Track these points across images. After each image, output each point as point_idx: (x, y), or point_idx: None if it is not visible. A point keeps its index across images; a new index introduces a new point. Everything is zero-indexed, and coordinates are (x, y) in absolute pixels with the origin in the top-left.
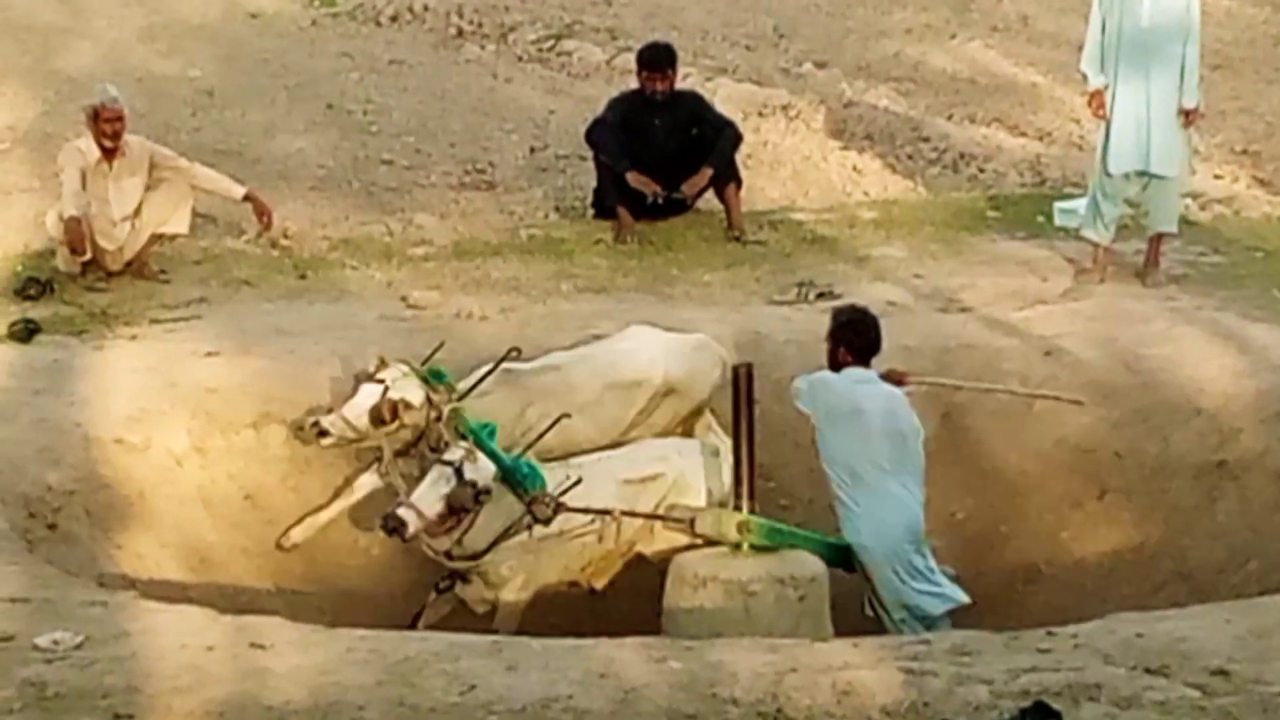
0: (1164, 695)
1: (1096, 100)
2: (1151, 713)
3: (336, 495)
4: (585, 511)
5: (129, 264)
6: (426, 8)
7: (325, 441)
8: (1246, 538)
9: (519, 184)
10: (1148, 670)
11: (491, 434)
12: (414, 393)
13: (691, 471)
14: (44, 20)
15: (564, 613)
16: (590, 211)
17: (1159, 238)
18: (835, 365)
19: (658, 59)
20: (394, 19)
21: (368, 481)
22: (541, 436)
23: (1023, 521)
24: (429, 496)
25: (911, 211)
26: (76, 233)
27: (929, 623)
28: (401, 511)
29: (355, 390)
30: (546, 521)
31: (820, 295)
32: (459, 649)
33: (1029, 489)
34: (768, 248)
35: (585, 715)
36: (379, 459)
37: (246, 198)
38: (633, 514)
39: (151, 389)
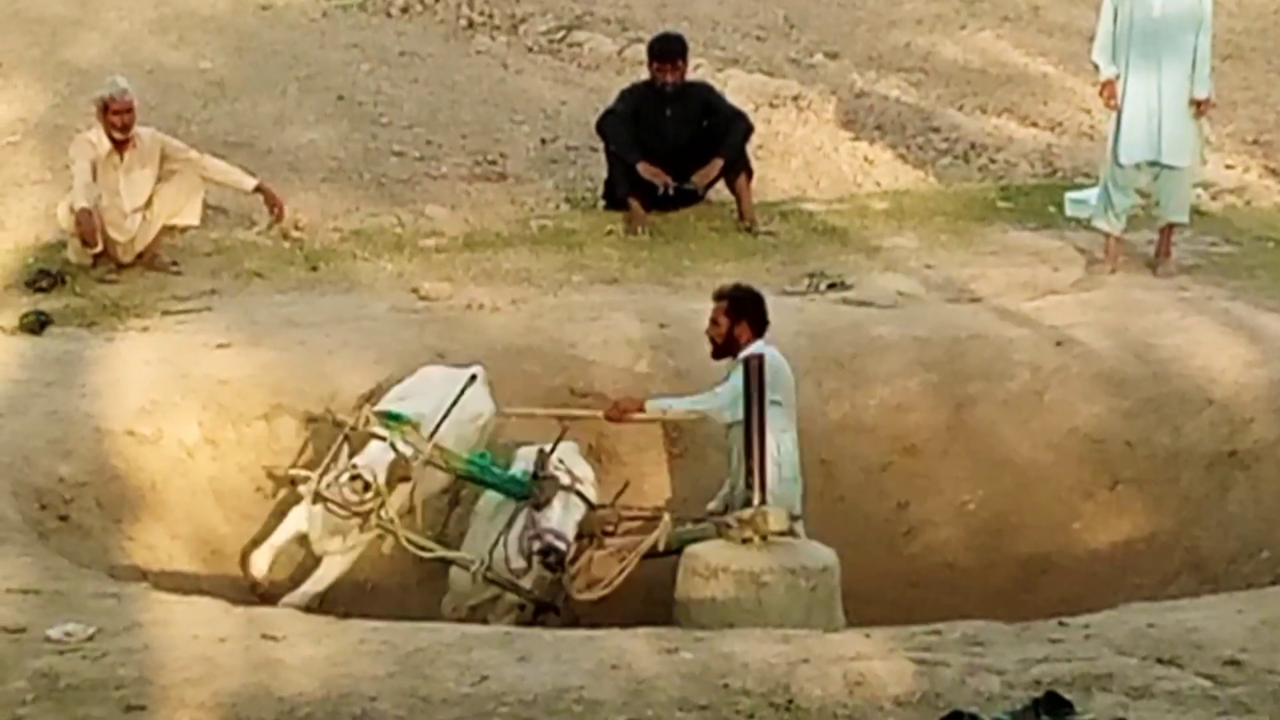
0: (1176, 685)
1: (1108, 90)
2: (1164, 703)
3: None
4: (640, 518)
5: (140, 256)
6: None
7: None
8: (1258, 527)
9: (530, 175)
10: (1160, 660)
11: (491, 463)
12: (423, 447)
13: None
14: (54, 12)
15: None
16: (601, 203)
17: (1170, 228)
18: (732, 344)
19: (668, 50)
20: (404, 10)
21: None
22: (452, 406)
23: (1034, 512)
24: (566, 521)
25: (922, 202)
26: (88, 224)
27: None
28: (554, 541)
29: (349, 448)
30: (615, 533)
31: (831, 286)
32: (471, 640)
33: (1040, 479)
34: (779, 238)
35: (597, 706)
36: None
37: (258, 189)
38: (685, 517)
39: (163, 381)
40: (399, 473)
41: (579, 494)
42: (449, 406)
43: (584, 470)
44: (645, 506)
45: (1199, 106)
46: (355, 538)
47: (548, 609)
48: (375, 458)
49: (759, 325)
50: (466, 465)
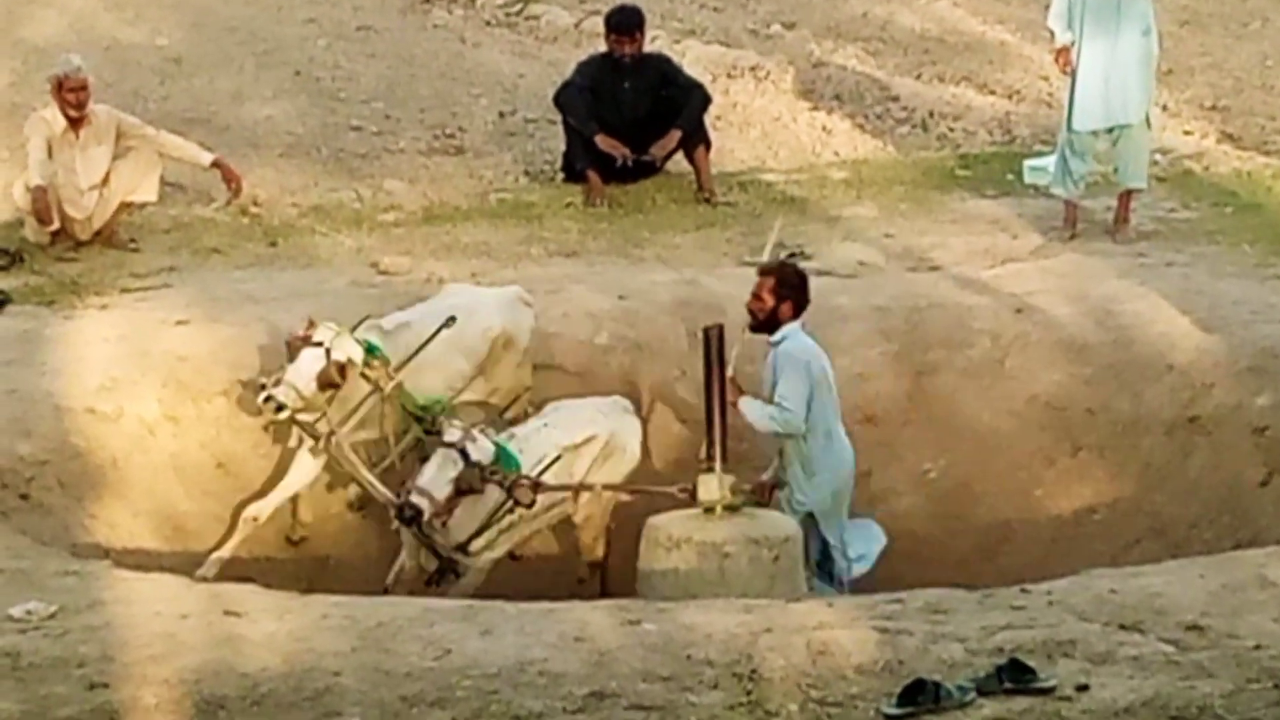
0: (1138, 650)
1: (1063, 57)
2: (1126, 668)
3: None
4: (567, 488)
5: (98, 233)
6: None
7: (281, 415)
8: (1219, 493)
9: (488, 149)
10: (1122, 626)
11: (443, 409)
12: (355, 350)
13: (621, 431)
14: None
15: (536, 577)
16: (560, 175)
17: (1129, 194)
18: (774, 321)
19: (626, 22)
20: None
21: (309, 464)
22: (424, 346)
23: (995, 479)
24: (438, 480)
25: (881, 171)
26: (42, 202)
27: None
28: (415, 499)
29: (293, 356)
30: (530, 504)
31: (791, 255)
32: (433, 614)
33: (1001, 447)
34: (738, 209)
35: (560, 678)
36: (313, 437)
37: (214, 164)
38: (615, 487)
39: (122, 358)
40: (327, 379)
41: (462, 451)
42: (418, 347)
43: (629, 427)
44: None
45: None
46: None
47: (449, 570)
48: (303, 365)
49: (801, 305)
50: (417, 408)
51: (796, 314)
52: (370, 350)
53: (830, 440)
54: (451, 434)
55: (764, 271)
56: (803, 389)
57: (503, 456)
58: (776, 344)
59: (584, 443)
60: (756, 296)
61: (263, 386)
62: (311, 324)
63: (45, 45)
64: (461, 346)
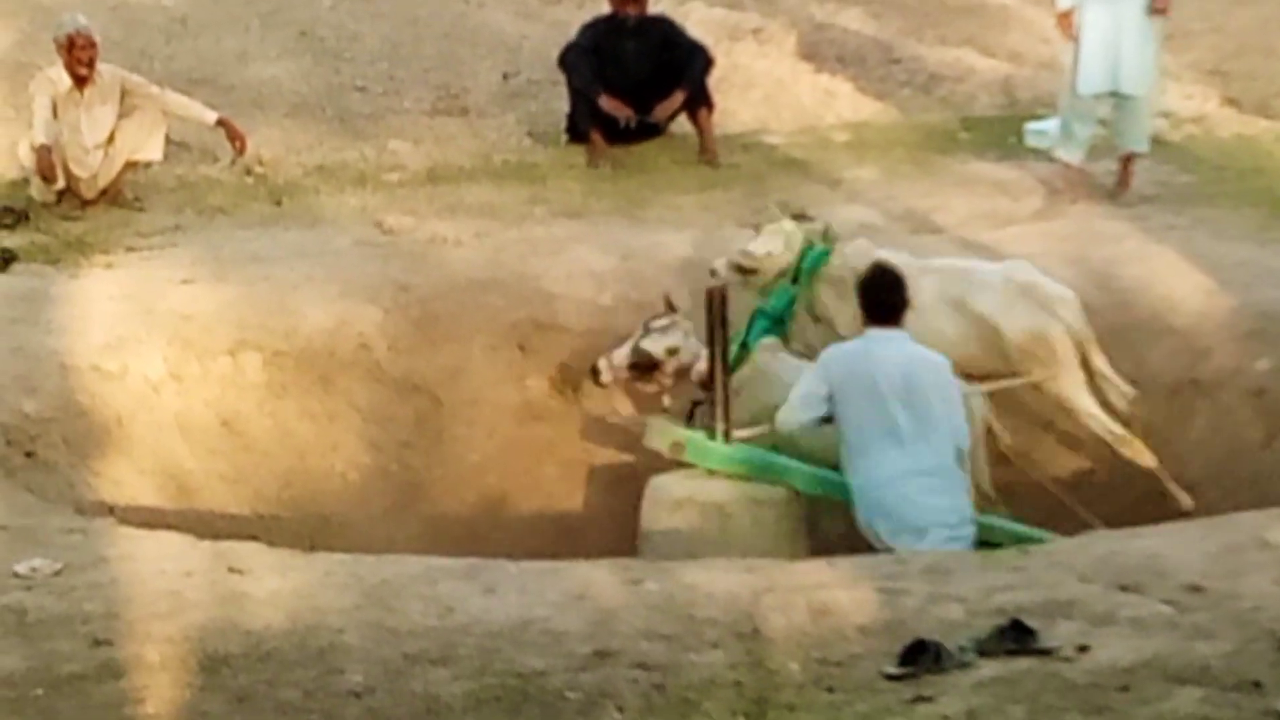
0: (1138, 612)
1: (1066, 21)
2: (1126, 629)
3: None
4: None
5: (104, 192)
6: None
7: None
8: (1220, 455)
9: (492, 109)
10: (1122, 587)
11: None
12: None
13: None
14: None
15: (540, 536)
16: (563, 136)
17: (1130, 157)
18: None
19: None
20: None
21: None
22: None
23: (996, 441)
24: (620, 352)
25: (883, 133)
26: (46, 160)
27: None
28: (600, 362)
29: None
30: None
31: (793, 218)
32: (437, 572)
33: (1001, 409)
34: (740, 171)
35: (562, 637)
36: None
37: (219, 123)
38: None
39: (128, 316)
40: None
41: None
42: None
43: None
44: None
45: (1155, 5)
46: None
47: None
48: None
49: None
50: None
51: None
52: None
53: (865, 461)
54: (659, 320)
55: None
56: (813, 389)
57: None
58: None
59: None
60: None
61: (714, 272)
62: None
63: (51, 4)
64: (963, 316)
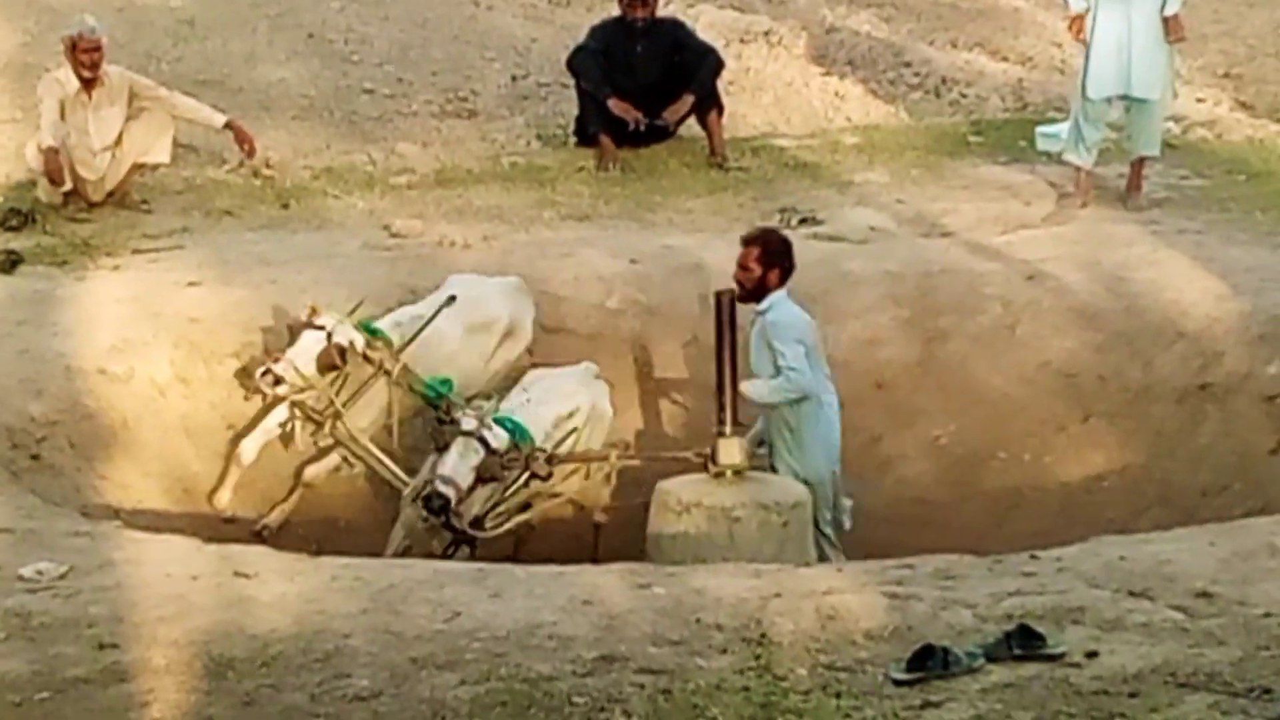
0: (1147, 618)
1: (1077, 25)
2: (1135, 635)
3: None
4: (585, 459)
5: (110, 194)
6: None
7: (280, 390)
8: (1229, 460)
9: (501, 112)
10: (1131, 593)
11: (449, 389)
12: (356, 338)
13: (599, 399)
14: None
15: (548, 540)
16: (572, 139)
17: (1141, 161)
18: (762, 290)
19: None
20: None
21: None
22: (425, 325)
23: (1006, 446)
24: (461, 469)
25: (893, 137)
26: (54, 163)
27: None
28: (441, 488)
29: (294, 339)
30: (546, 477)
31: (803, 221)
32: (443, 577)
33: (1012, 413)
34: (750, 174)
35: (569, 642)
36: (314, 421)
37: (227, 126)
38: (633, 458)
39: (134, 319)
40: (328, 360)
41: (481, 439)
42: (418, 329)
43: (598, 398)
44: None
45: (1169, 25)
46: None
47: (463, 542)
48: (303, 348)
49: (787, 272)
50: (425, 389)
51: (783, 281)
52: (372, 333)
53: (821, 409)
54: (468, 422)
55: (748, 241)
56: (801, 352)
57: (516, 430)
58: (763, 313)
59: (570, 414)
60: (743, 266)
61: (267, 370)
62: (314, 310)
63: (59, 6)
64: (475, 338)
